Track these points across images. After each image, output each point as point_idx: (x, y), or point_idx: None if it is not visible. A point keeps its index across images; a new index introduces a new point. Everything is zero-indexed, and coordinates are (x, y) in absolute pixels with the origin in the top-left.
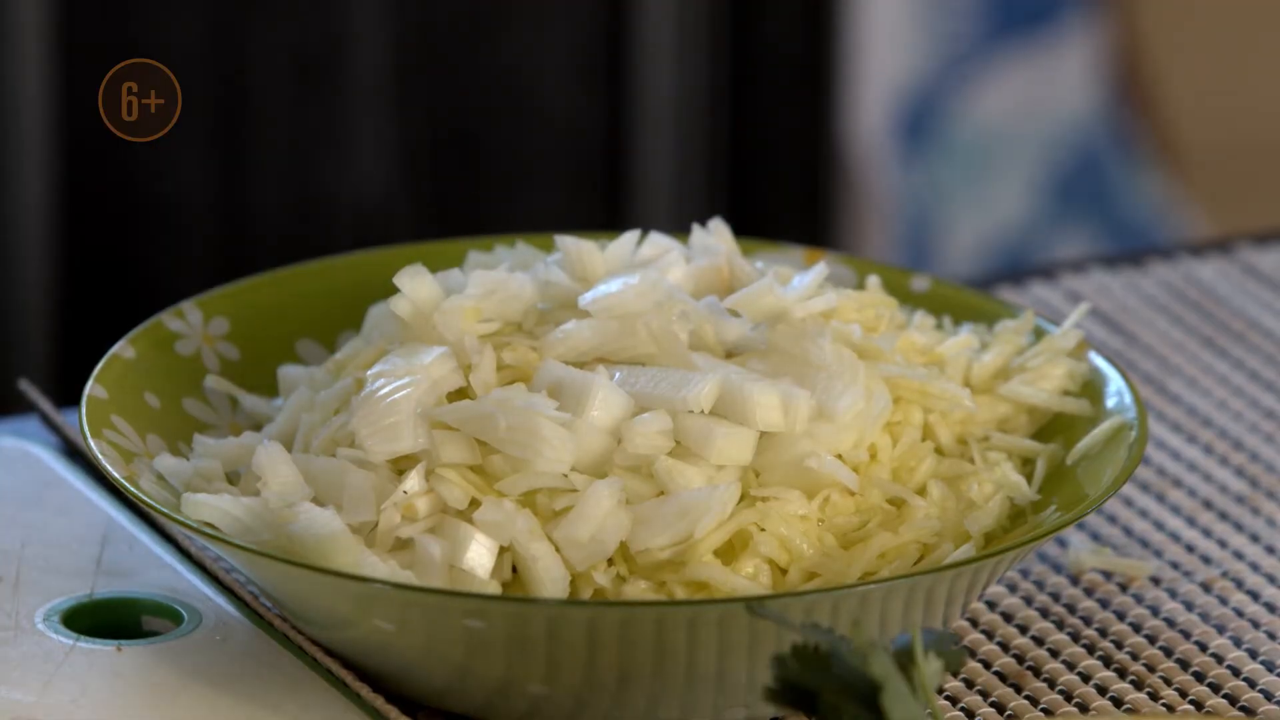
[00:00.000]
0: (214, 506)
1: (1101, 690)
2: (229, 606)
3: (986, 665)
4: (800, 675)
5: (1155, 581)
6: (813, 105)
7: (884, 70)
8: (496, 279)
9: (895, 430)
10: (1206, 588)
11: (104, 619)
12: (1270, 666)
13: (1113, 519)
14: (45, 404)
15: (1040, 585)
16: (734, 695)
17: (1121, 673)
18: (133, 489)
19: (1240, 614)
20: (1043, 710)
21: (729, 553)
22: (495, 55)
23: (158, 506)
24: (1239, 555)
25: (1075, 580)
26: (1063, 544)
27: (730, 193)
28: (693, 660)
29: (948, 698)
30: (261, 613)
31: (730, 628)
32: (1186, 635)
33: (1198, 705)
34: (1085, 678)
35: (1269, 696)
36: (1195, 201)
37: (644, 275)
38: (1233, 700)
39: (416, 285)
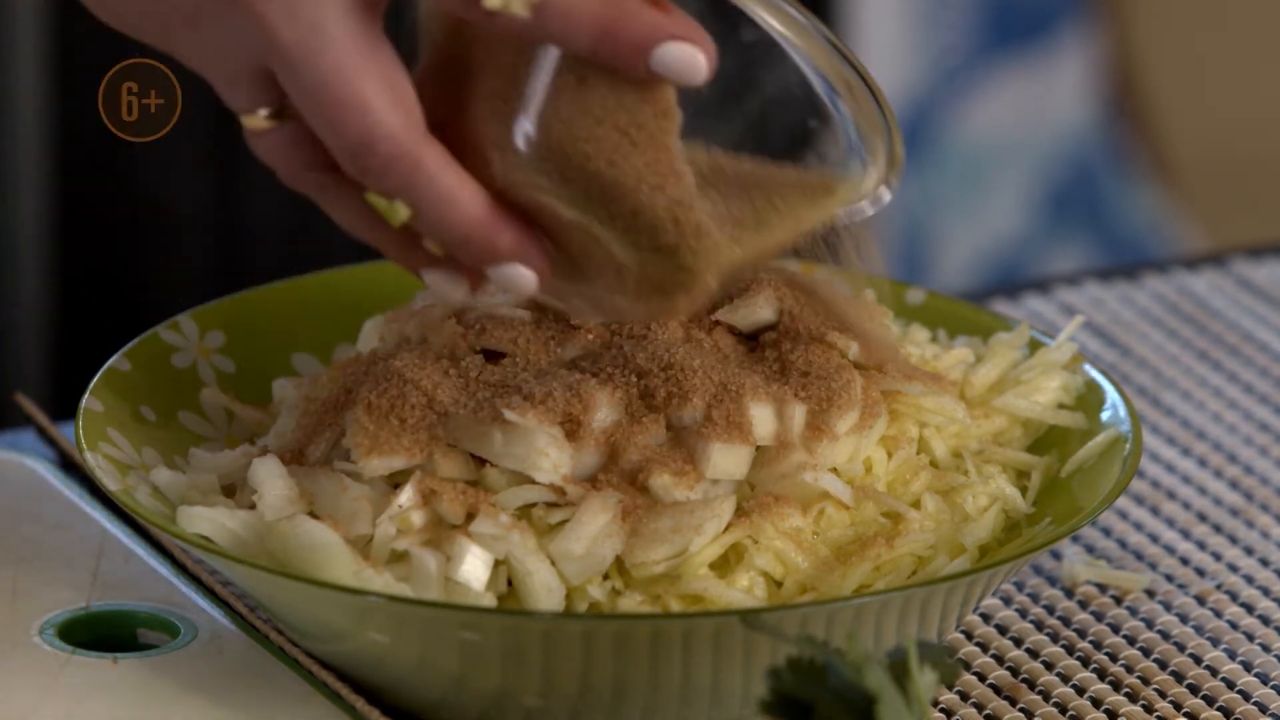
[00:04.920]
0: (209, 519)
1: (1096, 703)
2: (224, 619)
3: (981, 678)
4: (795, 688)
5: (1150, 594)
6: None
7: (879, 83)
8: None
9: (890, 444)
10: (1201, 600)
11: (100, 632)
12: (1265, 679)
13: (1107, 532)
14: (41, 417)
15: (1035, 598)
16: (729, 708)
17: (1116, 685)
18: (128, 502)
19: (1235, 626)
20: None
21: (724, 566)
22: None
23: (153, 519)
24: (1233, 568)
25: (1070, 593)
26: (1057, 557)
27: None
28: (688, 673)
29: (942, 710)
30: (257, 625)
31: (725, 641)
32: (1181, 648)
33: (1192, 718)
34: (1080, 690)
35: (1263, 709)
36: (1189, 214)
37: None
38: (1227, 714)
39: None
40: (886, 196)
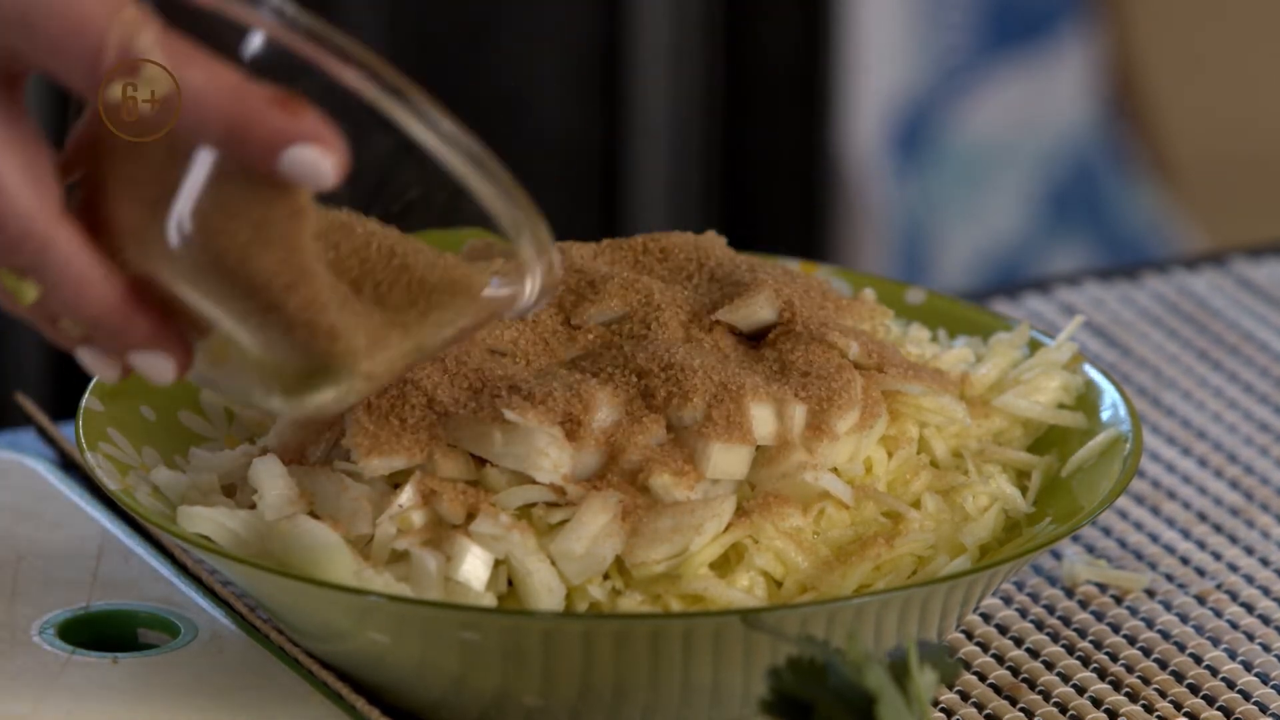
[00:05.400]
0: (210, 519)
1: (1096, 703)
2: (225, 619)
3: (981, 678)
4: (795, 688)
5: (1150, 594)
6: (808, 117)
7: (879, 83)
8: None
9: (890, 444)
10: (1201, 600)
11: (100, 631)
12: (1265, 679)
13: (1107, 531)
14: (41, 417)
15: (1035, 598)
16: (729, 708)
17: (1116, 685)
18: (129, 501)
19: (1235, 626)
20: None
21: (724, 566)
22: (491, 68)
23: (153, 519)
24: (1233, 568)
25: (1070, 593)
26: (1057, 556)
27: (725, 205)
28: (688, 673)
29: (942, 710)
30: (257, 625)
31: (725, 640)
32: (1181, 648)
33: (1192, 718)
34: (1080, 690)
35: (1264, 709)
36: (1189, 214)
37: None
38: (1227, 713)
39: None
40: (538, 303)
